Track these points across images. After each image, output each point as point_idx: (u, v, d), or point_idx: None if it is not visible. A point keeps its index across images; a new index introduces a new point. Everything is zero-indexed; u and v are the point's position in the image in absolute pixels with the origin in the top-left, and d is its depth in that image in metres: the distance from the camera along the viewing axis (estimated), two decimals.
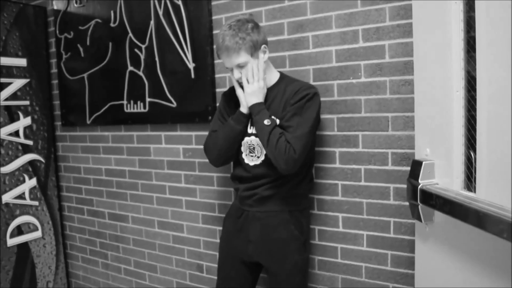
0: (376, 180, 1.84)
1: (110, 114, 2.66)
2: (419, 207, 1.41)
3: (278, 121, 1.71)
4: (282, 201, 1.78)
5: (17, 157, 2.81)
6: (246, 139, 1.80)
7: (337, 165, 1.92)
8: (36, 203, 2.93)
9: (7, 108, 2.75)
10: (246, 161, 1.81)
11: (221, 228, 2.04)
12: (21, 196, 2.84)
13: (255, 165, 1.79)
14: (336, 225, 1.96)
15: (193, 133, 2.34)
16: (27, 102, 2.86)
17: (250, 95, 1.70)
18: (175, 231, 2.51)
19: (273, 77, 1.81)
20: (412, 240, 1.76)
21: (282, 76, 1.83)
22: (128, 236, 2.76)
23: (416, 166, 1.43)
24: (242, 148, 1.82)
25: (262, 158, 1.77)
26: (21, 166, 2.84)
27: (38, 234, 2.94)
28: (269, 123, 1.66)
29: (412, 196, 1.43)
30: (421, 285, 1.57)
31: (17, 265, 2.82)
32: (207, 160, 2.27)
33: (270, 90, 1.78)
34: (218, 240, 1.98)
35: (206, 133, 2.20)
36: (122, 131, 2.66)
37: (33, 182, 2.91)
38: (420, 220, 1.43)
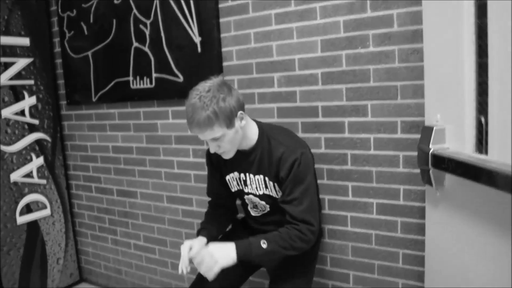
0: (385, 149, 1.87)
1: (115, 91, 2.66)
2: (430, 171, 1.42)
3: (269, 191, 1.70)
4: None
5: (23, 136, 2.82)
6: (246, 197, 1.79)
7: (346, 134, 1.95)
8: (44, 181, 2.95)
9: (12, 87, 2.75)
10: (252, 213, 1.84)
11: None
12: (29, 175, 2.85)
13: (263, 215, 1.81)
14: (346, 194, 1.99)
15: None
16: (31, 82, 2.86)
17: (223, 254, 1.56)
18: (184, 205, 2.54)
19: (253, 135, 1.67)
20: (422, 206, 1.79)
21: (261, 130, 1.69)
22: (137, 212, 2.79)
23: (426, 131, 1.44)
24: (247, 201, 1.82)
25: (268, 209, 1.79)
26: (28, 145, 2.85)
27: (47, 212, 2.97)
28: (266, 245, 1.56)
29: (423, 161, 1.44)
30: (432, 250, 1.60)
31: (27, 243, 2.85)
32: None
33: (253, 150, 1.68)
34: None
35: None
36: (129, 108, 2.66)
37: (40, 160, 2.92)
38: (431, 185, 1.44)
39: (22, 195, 2.82)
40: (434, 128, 1.41)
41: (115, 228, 2.94)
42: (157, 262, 2.75)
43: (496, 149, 1.18)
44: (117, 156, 2.80)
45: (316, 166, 2.02)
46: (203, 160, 2.38)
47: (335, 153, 1.99)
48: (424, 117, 1.56)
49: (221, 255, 1.56)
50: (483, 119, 1.27)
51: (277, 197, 1.70)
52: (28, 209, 2.86)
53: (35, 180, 2.89)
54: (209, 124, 1.48)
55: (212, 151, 1.60)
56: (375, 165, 1.90)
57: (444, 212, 1.48)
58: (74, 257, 3.18)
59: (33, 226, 2.89)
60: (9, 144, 2.74)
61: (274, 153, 1.62)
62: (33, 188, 2.89)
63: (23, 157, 2.82)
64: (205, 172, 2.38)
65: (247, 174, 1.72)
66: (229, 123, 1.52)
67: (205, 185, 2.40)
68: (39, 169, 2.92)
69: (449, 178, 1.40)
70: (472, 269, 1.30)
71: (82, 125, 2.95)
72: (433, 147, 1.41)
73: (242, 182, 1.76)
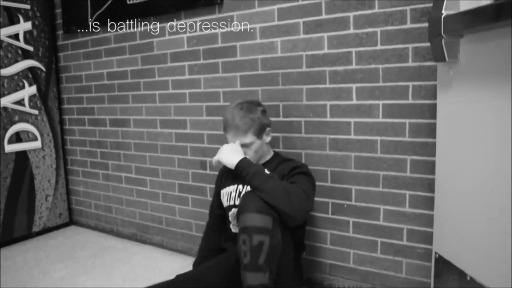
0: (393, 42, 1.69)
1: (112, 9, 2.52)
2: (443, 40, 1.27)
3: None
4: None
5: (16, 61, 2.70)
6: (233, 210, 1.76)
7: (351, 30, 1.77)
8: (35, 111, 2.82)
9: (6, 9, 2.63)
10: (233, 230, 1.78)
11: None
12: (20, 103, 2.73)
13: None
14: (349, 98, 1.81)
15: (198, 19, 2.20)
16: (27, 6, 2.74)
17: (230, 153, 1.66)
18: (178, 128, 2.39)
19: (268, 155, 1.83)
20: (433, 104, 1.61)
21: (276, 154, 1.86)
22: (129, 142, 2.64)
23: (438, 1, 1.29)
24: (230, 218, 1.79)
25: None
26: (21, 71, 2.72)
27: (37, 144, 2.83)
28: (268, 172, 1.61)
29: (435, 32, 1.30)
30: (443, 150, 1.42)
31: (15, 173, 2.72)
32: (212, 47, 2.17)
33: (263, 165, 1.75)
34: (222, 132, 1.84)
35: (212, 16, 2.14)
36: (125, 29, 2.52)
37: (33, 89, 2.79)
38: (444, 59, 1.29)
39: (12, 123, 2.69)
40: None
41: (107, 162, 2.79)
42: (148, 195, 2.59)
43: None
44: (111, 82, 2.66)
45: (318, 68, 1.87)
46: (199, 77, 2.26)
47: (338, 53, 1.82)
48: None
49: (227, 151, 1.67)
50: None
51: None
52: (17, 138, 2.73)
53: (27, 109, 2.77)
54: (245, 130, 1.68)
55: None
56: (382, 62, 1.73)
57: (458, 94, 1.31)
58: (64, 197, 3.03)
59: (22, 156, 2.76)
60: (1, 67, 2.61)
61: (281, 166, 1.73)
62: (24, 117, 2.76)
63: (15, 83, 2.69)
64: (200, 90, 2.25)
65: (246, 185, 1.73)
66: (259, 134, 1.72)
67: (199, 104, 2.27)
68: (31, 98, 2.79)
69: (464, 50, 1.25)
70: (490, 158, 1.12)
71: (77, 54, 2.82)
72: (445, 12, 1.26)
73: (237, 194, 1.77)
